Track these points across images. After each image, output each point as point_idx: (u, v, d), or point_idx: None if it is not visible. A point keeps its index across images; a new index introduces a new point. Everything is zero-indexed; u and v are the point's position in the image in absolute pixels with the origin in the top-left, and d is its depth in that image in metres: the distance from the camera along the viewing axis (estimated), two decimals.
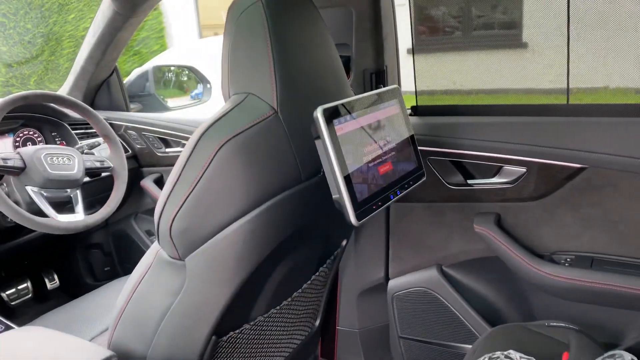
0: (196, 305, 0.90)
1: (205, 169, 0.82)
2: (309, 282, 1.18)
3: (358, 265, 1.45)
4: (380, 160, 0.94)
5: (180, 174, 0.84)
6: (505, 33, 1.50)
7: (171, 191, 0.85)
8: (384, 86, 1.29)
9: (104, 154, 1.59)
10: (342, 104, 0.87)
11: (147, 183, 1.76)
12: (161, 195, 0.87)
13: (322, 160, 0.85)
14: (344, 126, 0.86)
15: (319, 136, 0.83)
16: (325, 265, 1.22)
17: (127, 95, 1.92)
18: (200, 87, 2.25)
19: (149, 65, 2.11)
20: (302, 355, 1.41)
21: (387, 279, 1.43)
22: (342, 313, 1.51)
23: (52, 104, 1.62)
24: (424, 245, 1.36)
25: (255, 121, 0.85)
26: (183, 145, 1.70)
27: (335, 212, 0.89)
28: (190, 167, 0.83)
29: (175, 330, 0.93)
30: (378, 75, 1.38)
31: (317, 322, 1.35)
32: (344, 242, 1.27)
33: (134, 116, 1.80)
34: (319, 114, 0.82)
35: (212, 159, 0.82)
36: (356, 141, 0.88)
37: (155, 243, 0.93)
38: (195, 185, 0.82)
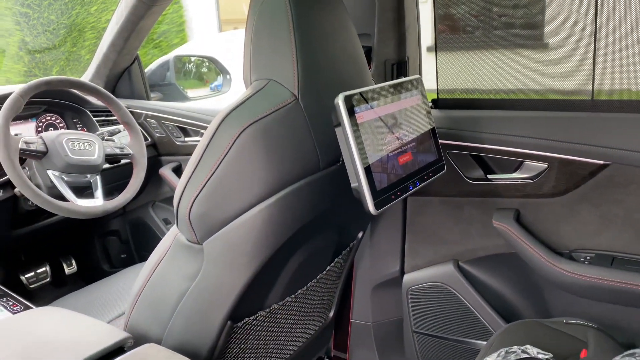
0: (212, 289, 0.90)
1: (226, 154, 0.82)
2: (324, 272, 1.18)
3: (373, 258, 1.45)
4: (400, 150, 0.93)
5: (200, 159, 0.84)
6: (527, 33, 1.48)
7: (191, 175, 0.85)
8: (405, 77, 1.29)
9: (124, 141, 1.60)
10: (364, 92, 0.87)
11: (166, 171, 1.77)
12: (181, 179, 0.87)
13: (341, 148, 0.84)
14: (364, 114, 0.85)
15: (339, 124, 0.83)
16: (340, 257, 1.22)
17: (147, 84, 1.94)
18: (220, 79, 2.26)
19: (170, 55, 2.12)
20: (315, 346, 1.41)
21: (402, 272, 1.42)
22: (356, 306, 1.51)
23: (74, 90, 1.64)
24: (441, 240, 1.35)
25: (275, 107, 0.85)
26: (202, 135, 1.71)
27: (353, 203, 0.89)
28: (210, 151, 0.84)
29: (191, 314, 0.93)
30: (399, 66, 1.37)
31: (331, 314, 1.35)
32: (360, 234, 1.27)
33: (155, 105, 1.82)
34: (340, 101, 0.82)
35: (232, 144, 0.82)
36: (377, 130, 0.88)
37: (174, 227, 0.94)
38: (215, 169, 0.83)
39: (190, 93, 2.21)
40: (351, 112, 0.83)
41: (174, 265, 0.93)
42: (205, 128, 1.69)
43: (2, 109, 1.26)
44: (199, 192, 0.84)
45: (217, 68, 2.30)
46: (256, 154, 0.83)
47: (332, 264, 1.20)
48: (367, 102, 0.87)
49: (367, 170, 0.84)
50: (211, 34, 7.77)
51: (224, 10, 8.29)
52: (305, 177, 0.90)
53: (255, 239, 0.86)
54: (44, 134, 1.38)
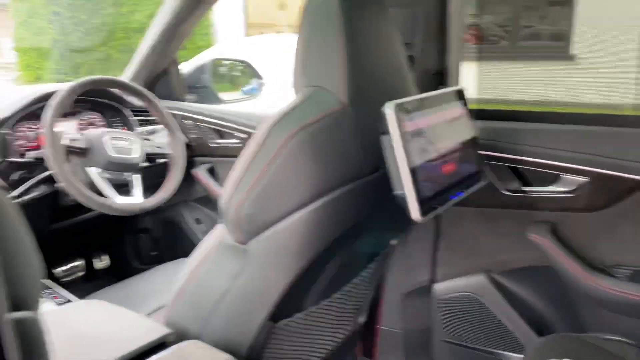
0: (255, 289, 0.92)
1: (275, 159, 0.84)
2: (357, 278, 1.19)
3: (404, 266, 1.45)
4: (444, 160, 0.94)
5: (250, 162, 0.86)
6: (554, 45, 1.48)
7: (241, 178, 0.87)
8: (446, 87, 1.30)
9: (161, 140, 1.64)
10: (410, 101, 0.88)
11: (199, 172, 1.80)
12: (230, 181, 0.90)
13: (387, 155, 0.86)
14: (411, 123, 0.87)
15: (386, 132, 0.84)
16: (374, 263, 1.23)
17: (184, 86, 1.97)
18: (253, 83, 2.29)
19: (204, 58, 2.15)
20: (343, 351, 1.42)
21: (433, 281, 1.43)
22: (385, 312, 1.51)
23: (114, 90, 1.68)
24: (474, 251, 1.35)
25: (324, 114, 0.87)
26: (235, 138, 1.74)
27: (391, 210, 0.90)
28: (260, 156, 0.86)
29: (232, 313, 0.95)
30: (440, 76, 1.38)
31: (361, 320, 1.36)
32: (394, 242, 1.27)
33: (191, 106, 1.85)
34: (389, 109, 0.83)
35: (281, 149, 0.84)
36: (422, 139, 0.89)
37: (219, 226, 0.96)
38: (265, 173, 0.85)
39: (222, 96, 2.24)
40: (399, 121, 0.84)
41: (218, 263, 0.95)
42: (240, 131, 1.71)
43: (51, 106, 1.30)
44: (248, 194, 0.86)
45: (250, 72, 2.33)
46: (304, 160, 0.85)
47: (366, 270, 1.21)
48: (414, 112, 0.88)
49: (413, 178, 0.85)
50: (237, 37, 7.85)
51: (252, 14, 8.37)
52: (349, 183, 0.91)
53: (299, 242, 0.88)
54: (86, 132, 1.42)
